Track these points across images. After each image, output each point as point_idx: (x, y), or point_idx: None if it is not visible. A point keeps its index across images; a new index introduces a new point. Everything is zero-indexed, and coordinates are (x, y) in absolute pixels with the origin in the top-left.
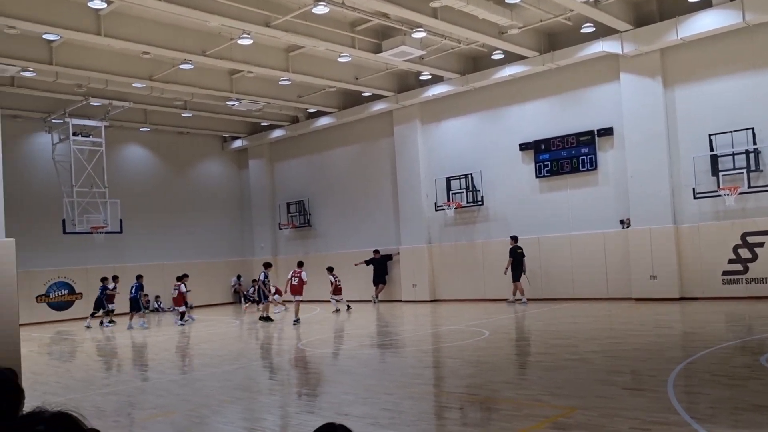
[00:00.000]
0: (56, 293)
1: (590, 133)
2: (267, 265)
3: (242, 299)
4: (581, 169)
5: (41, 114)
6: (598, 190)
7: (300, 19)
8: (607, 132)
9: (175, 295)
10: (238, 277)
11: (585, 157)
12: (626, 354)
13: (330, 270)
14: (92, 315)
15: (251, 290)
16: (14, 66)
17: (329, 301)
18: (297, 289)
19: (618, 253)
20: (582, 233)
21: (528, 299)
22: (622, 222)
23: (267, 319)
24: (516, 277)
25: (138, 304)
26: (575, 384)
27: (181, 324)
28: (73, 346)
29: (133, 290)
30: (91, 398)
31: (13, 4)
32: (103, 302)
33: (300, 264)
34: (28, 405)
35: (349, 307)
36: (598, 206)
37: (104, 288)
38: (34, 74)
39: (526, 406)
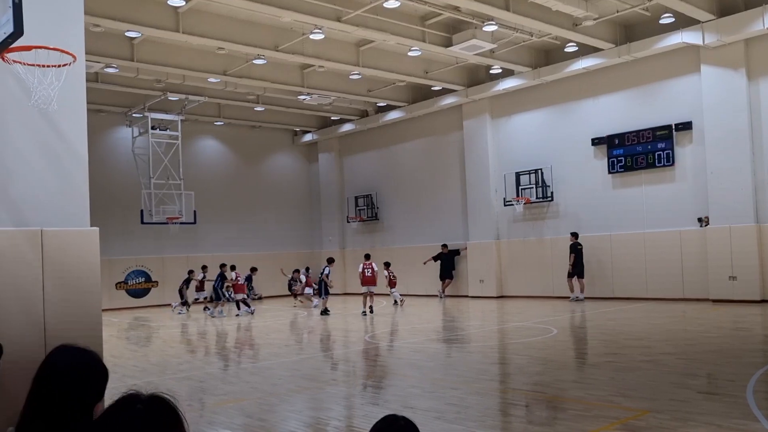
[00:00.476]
0: (134, 281)
1: (667, 127)
2: (330, 260)
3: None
4: (657, 165)
5: (123, 108)
6: (674, 187)
7: (371, 13)
8: (685, 126)
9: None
10: (307, 269)
11: (661, 152)
12: (702, 357)
13: (387, 265)
14: (210, 300)
15: (298, 284)
16: (99, 63)
17: (387, 294)
18: (370, 281)
19: (695, 252)
20: (657, 231)
21: (599, 297)
22: (700, 220)
23: (326, 312)
24: (579, 274)
25: (219, 293)
26: (648, 386)
27: (236, 315)
28: (150, 331)
29: (218, 280)
30: (165, 382)
31: (99, 3)
32: (218, 291)
33: (367, 256)
34: (109, 387)
35: (402, 300)
36: (675, 203)
37: (222, 275)
38: (117, 70)
39: (595, 406)
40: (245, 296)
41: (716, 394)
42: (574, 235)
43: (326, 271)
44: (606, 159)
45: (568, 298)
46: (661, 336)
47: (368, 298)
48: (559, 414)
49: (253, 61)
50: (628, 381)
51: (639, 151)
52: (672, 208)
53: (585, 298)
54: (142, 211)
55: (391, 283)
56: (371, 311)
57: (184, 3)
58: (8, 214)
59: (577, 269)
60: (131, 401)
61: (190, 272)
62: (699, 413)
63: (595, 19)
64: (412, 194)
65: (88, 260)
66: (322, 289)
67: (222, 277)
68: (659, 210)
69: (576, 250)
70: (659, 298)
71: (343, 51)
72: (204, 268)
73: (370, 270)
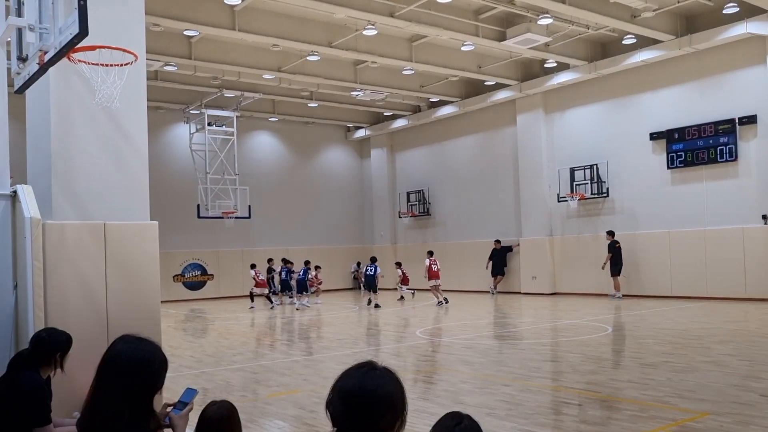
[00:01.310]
0: (191, 273)
1: (731, 121)
2: (374, 259)
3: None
4: (719, 160)
5: (180, 105)
6: (738, 183)
7: (424, 8)
8: (750, 120)
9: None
10: (358, 263)
11: (724, 147)
12: (766, 359)
13: (398, 265)
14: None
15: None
16: (158, 61)
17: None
18: (437, 275)
19: (759, 250)
20: (719, 228)
21: (656, 296)
22: (764, 217)
23: (377, 306)
24: (616, 272)
25: (305, 285)
26: (707, 388)
27: (270, 307)
28: (205, 323)
29: (302, 272)
30: (221, 373)
31: (158, 3)
32: (289, 283)
33: (431, 253)
34: (168, 376)
35: (413, 294)
36: (738, 200)
37: (288, 270)
38: (175, 68)
39: (651, 407)
40: (268, 291)
41: None
42: (611, 233)
43: (375, 271)
44: (665, 154)
45: (608, 295)
46: (722, 336)
47: (437, 290)
48: (614, 414)
49: (307, 58)
50: (686, 382)
51: (700, 146)
52: (735, 205)
53: (623, 295)
54: (198, 205)
55: (404, 280)
56: (446, 301)
57: (240, 1)
58: (73, 208)
59: (616, 268)
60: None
61: (270, 261)
62: (762, 417)
63: (654, 10)
64: (464, 190)
65: (148, 253)
66: (371, 286)
67: (288, 271)
68: (721, 206)
69: (614, 249)
70: (720, 297)
71: (396, 46)
72: (270, 261)
73: (436, 265)
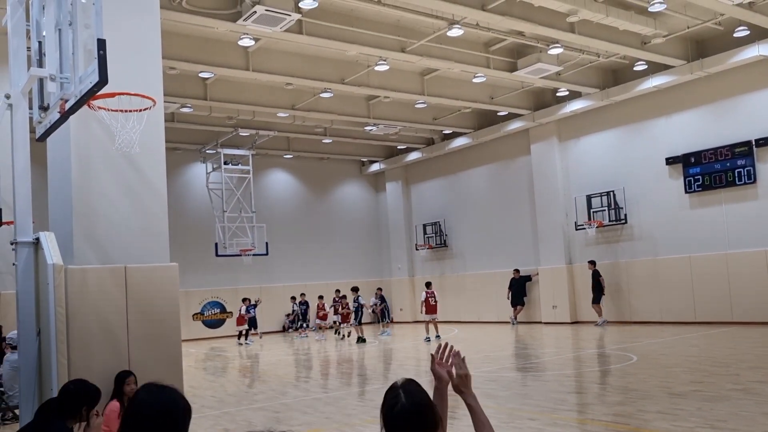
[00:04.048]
0: (210, 312)
1: (747, 143)
2: (356, 290)
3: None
4: (738, 183)
5: (197, 145)
6: (758, 205)
7: (435, 42)
8: (767, 142)
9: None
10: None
11: (742, 169)
12: None
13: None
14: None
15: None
16: (174, 103)
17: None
18: (434, 309)
19: None
20: (741, 251)
21: (679, 322)
22: None
23: (362, 340)
24: (598, 299)
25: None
26: (739, 417)
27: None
28: (225, 362)
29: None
30: (242, 412)
31: (174, 47)
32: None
33: (429, 284)
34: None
35: (349, 335)
36: (759, 222)
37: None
38: (191, 110)
39: None
40: (247, 329)
41: None
42: (593, 263)
43: (375, 301)
44: (682, 178)
45: (595, 323)
46: (751, 363)
47: (432, 326)
48: None
49: (320, 95)
50: (717, 411)
51: (717, 169)
52: (756, 227)
53: (605, 322)
54: (216, 243)
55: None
56: (438, 337)
57: (253, 43)
58: (94, 252)
59: (599, 295)
60: None
61: (302, 295)
62: None
63: (664, 36)
64: (480, 220)
65: (168, 294)
66: (358, 316)
67: (306, 305)
68: (742, 229)
69: (598, 277)
70: (745, 322)
71: (408, 81)
72: (293, 298)
73: (433, 299)
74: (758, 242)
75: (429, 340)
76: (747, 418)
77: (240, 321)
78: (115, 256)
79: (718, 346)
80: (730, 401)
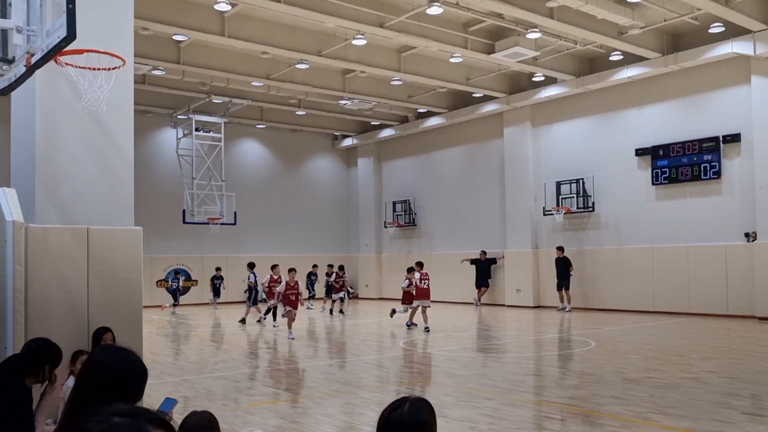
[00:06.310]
0: (174, 279)
1: (715, 139)
2: (251, 266)
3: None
4: (703, 178)
5: (168, 110)
6: (721, 200)
7: (413, 19)
8: (734, 139)
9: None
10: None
11: (708, 164)
12: (747, 376)
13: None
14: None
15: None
16: (146, 65)
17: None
18: (426, 293)
19: (741, 267)
20: (702, 245)
21: (639, 311)
22: (747, 235)
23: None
24: (567, 285)
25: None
26: (689, 404)
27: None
28: (188, 330)
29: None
30: (202, 380)
31: (148, 7)
32: (330, 290)
33: (421, 264)
34: (149, 383)
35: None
36: (721, 217)
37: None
38: (163, 73)
39: (633, 423)
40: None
41: (761, 416)
42: (561, 249)
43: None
44: (650, 170)
45: (558, 308)
46: (704, 353)
47: (423, 313)
48: (596, 429)
49: (296, 66)
50: (668, 398)
51: (684, 163)
52: (718, 222)
53: (563, 308)
54: (184, 210)
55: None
56: (426, 330)
57: (230, 8)
58: (57, 211)
59: (566, 281)
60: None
61: (314, 266)
62: None
63: (641, 28)
64: (450, 201)
65: (131, 259)
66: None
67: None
68: (704, 224)
69: (563, 263)
70: (702, 313)
71: (385, 57)
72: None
73: (426, 282)
74: (719, 237)
75: (410, 327)
76: (696, 405)
77: (270, 294)
78: (78, 216)
79: (674, 336)
80: (682, 389)
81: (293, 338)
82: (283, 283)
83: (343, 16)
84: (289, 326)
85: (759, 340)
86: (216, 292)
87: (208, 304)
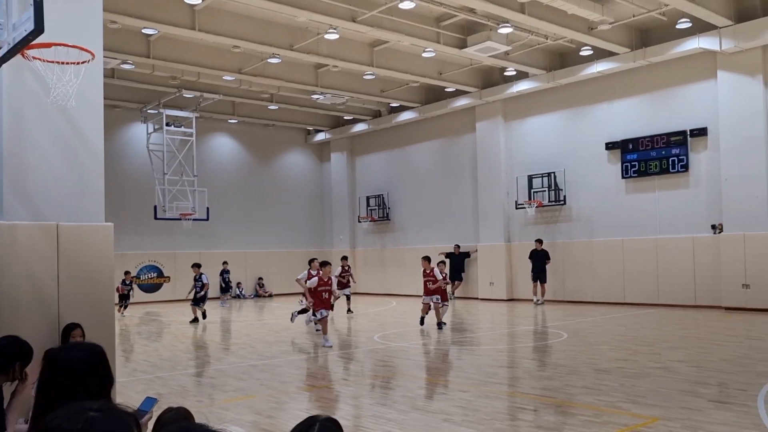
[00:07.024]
0: (146, 276)
1: (682, 133)
2: (198, 266)
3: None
4: (671, 171)
5: (138, 104)
6: (688, 193)
7: (386, 14)
8: (700, 133)
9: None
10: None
11: (675, 158)
12: (713, 365)
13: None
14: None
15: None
16: (115, 59)
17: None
18: (435, 289)
19: (708, 259)
20: (670, 237)
21: (610, 302)
22: (713, 227)
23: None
24: (545, 278)
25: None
26: (658, 393)
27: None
28: (161, 326)
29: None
30: (176, 377)
31: (117, 0)
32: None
33: (428, 259)
34: (120, 382)
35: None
36: (688, 210)
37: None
38: (133, 67)
39: (604, 412)
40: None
41: (727, 403)
42: (540, 241)
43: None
44: (620, 164)
45: (533, 300)
46: (673, 343)
47: (435, 310)
48: (568, 419)
49: (268, 60)
50: (637, 388)
51: (653, 157)
52: (685, 215)
53: (538, 300)
54: (155, 206)
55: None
56: (439, 327)
57: (200, 1)
58: (25, 208)
59: (544, 274)
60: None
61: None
62: (709, 422)
63: (610, 23)
64: (423, 195)
65: (102, 255)
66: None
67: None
68: (672, 216)
69: (542, 256)
70: (671, 304)
71: (357, 51)
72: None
73: (432, 280)
74: (687, 229)
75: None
76: (665, 394)
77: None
78: (48, 212)
79: (643, 327)
80: (651, 378)
81: (330, 346)
82: (315, 278)
83: (316, 10)
84: (324, 332)
85: (725, 330)
86: (226, 287)
87: (217, 299)
